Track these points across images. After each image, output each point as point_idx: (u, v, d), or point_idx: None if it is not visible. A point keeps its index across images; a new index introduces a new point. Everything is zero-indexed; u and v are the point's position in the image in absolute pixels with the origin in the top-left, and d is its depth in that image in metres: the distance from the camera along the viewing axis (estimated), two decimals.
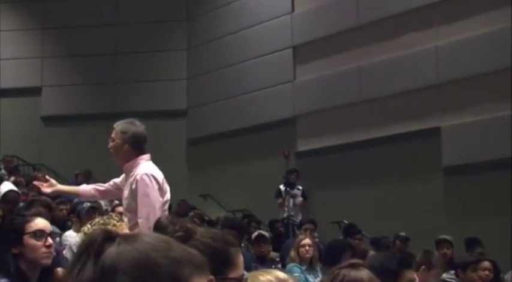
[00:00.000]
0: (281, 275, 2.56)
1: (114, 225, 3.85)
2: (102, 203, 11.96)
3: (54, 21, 17.56)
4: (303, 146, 14.48)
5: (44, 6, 17.68)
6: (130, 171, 5.08)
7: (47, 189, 5.27)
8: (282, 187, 13.18)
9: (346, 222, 11.77)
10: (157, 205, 4.96)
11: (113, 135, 5.16)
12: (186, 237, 2.26)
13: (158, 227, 4.27)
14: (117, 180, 5.41)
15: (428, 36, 12.64)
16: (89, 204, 8.71)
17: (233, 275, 2.18)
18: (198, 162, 16.01)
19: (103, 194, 5.51)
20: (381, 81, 13.06)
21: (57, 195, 12.66)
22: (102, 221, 3.93)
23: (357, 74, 13.58)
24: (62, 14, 17.49)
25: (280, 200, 13.07)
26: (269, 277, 2.52)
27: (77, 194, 5.56)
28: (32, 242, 3.32)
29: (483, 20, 11.83)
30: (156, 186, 5.00)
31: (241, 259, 2.25)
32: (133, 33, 17.08)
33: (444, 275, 7.38)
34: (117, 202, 11.59)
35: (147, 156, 5.16)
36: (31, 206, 6.93)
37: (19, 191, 8.75)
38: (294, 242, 8.63)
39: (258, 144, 14.90)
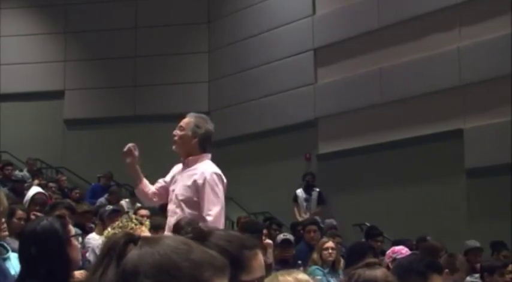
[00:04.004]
0: (300, 276, 2.56)
1: (132, 228, 3.86)
2: (125, 205, 12.04)
3: (75, 25, 17.67)
4: (324, 149, 14.44)
5: (66, 10, 17.80)
6: (193, 165, 5.03)
7: (128, 159, 5.09)
8: (298, 191, 13.18)
9: (367, 224, 11.73)
10: (223, 206, 4.94)
11: (182, 125, 5.09)
12: (198, 240, 2.27)
13: (176, 227, 4.27)
14: (165, 178, 5.26)
15: (450, 38, 12.57)
16: (111, 207, 8.78)
17: (246, 278, 2.17)
18: (220, 164, 15.90)
19: (154, 196, 5.21)
20: (403, 83, 13.00)
21: (80, 198, 12.80)
22: (121, 224, 3.93)
23: (378, 76, 13.52)
24: (84, 17, 17.59)
25: (295, 205, 13.09)
26: (288, 278, 2.52)
27: (139, 180, 5.18)
28: (76, 243, 3.41)
29: (505, 21, 11.74)
30: (222, 189, 4.98)
31: (257, 262, 2.22)
32: (155, 36, 17.15)
33: (468, 278, 7.32)
34: (139, 205, 11.66)
35: (209, 155, 5.15)
36: (54, 209, 6.97)
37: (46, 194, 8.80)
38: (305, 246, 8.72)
39: (279, 146, 14.89)
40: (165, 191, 5.20)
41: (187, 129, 5.06)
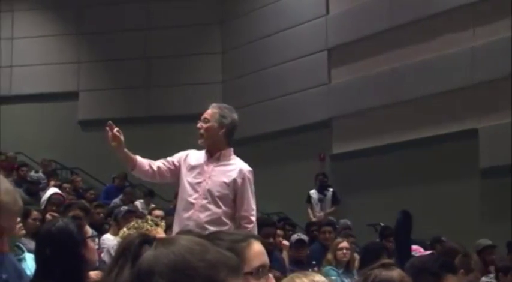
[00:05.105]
0: (317, 278, 2.56)
1: (147, 229, 3.85)
2: (139, 206, 12.06)
3: (89, 26, 17.72)
4: (338, 149, 14.42)
5: (79, 11, 17.85)
6: (226, 160, 4.87)
7: (113, 143, 4.89)
8: (312, 192, 13.14)
9: (382, 224, 11.70)
10: None
11: (207, 116, 4.85)
12: None
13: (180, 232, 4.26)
14: (172, 159, 4.96)
15: (463, 37, 12.52)
16: (126, 207, 8.80)
17: (244, 270, 2.16)
18: None
19: (156, 173, 4.87)
20: (416, 83, 12.96)
21: (94, 198, 12.82)
22: (136, 225, 3.93)
23: (391, 75, 13.49)
24: (97, 19, 17.65)
25: (309, 206, 13.06)
26: (305, 280, 2.51)
27: (133, 164, 4.87)
28: (91, 244, 3.44)
29: None
30: None
31: (252, 251, 2.18)
32: (168, 37, 17.17)
33: (483, 279, 7.30)
34: (153, 205, 11.68)
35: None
36: (69, 210, 7.00)
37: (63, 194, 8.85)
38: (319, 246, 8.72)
39: (293, 146, 14.87)
40: (170, 174, 4.92)
41: (212, 121, 4.82)
